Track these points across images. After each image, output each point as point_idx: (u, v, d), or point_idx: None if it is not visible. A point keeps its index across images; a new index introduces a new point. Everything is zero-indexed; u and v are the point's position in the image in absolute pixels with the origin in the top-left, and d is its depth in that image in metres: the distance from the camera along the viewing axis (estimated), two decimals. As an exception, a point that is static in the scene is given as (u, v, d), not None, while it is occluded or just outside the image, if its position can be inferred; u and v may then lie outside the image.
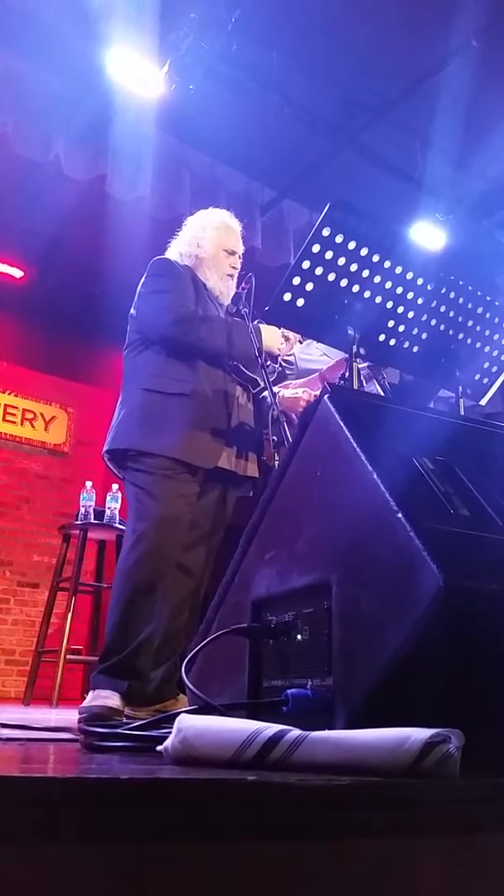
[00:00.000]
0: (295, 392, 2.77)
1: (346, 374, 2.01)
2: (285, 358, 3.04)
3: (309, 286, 1.93)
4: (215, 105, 4.41)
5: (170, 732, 0.91)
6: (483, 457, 1.30)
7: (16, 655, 6.02)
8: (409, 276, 2.02)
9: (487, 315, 2.20)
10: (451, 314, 2.15)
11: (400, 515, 0.98)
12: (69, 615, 4.18)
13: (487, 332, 2.25)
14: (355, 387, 1.97)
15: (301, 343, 3.08)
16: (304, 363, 3.05)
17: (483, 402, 2.42)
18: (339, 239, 1.90)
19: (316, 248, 1.90)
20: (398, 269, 2.00)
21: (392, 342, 2.11)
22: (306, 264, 1.91)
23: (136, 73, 4.15)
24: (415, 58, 4.32)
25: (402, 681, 0.94)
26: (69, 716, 2.45)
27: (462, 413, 2.21)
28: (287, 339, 2.77)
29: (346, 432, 1.14)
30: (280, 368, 2.88)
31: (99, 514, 4.47)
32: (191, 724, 0.90)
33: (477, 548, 1.07)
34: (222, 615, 1.35)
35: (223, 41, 3.97)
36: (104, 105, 4.39)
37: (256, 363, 2.55)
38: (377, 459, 1.08)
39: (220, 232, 2.81)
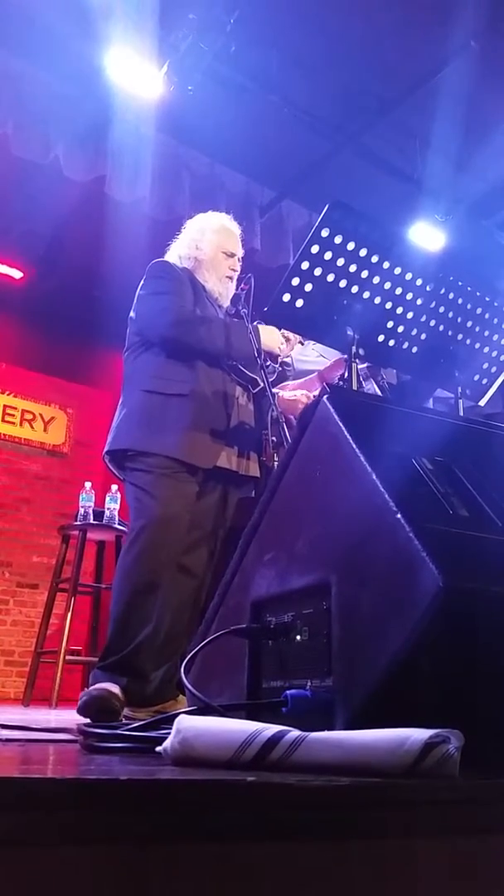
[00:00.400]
0: (293, 394, 2.77)
1: (346, 375, 2.01)
2: (283, 360, 3.04)
3: (308, 287, 1.93)
4: (214, 106, 4.41)
5: (169, 733, 0.91)
6: (482, 457, 1.30)
7: (15, 656, 6.02)
8: (409, 276, 2.02)
9: (486, 316, 2.20)
10: (451, 315, 2.15)
11: (399, 516, 0.98)
12: (68, 616, 4.18)
13: (486, 333, 2.25)
14: (354, 387, 1.97)
15: (301, 344, 3.08)
16: (301, 364, 3.05)
17: (482, 402, 2.42)
18: (338, 240, 1.90)
19: (315, 249, 1.90)
20: (397, 270, 2.00)
21: (391, 343, 2.11)
22: (305, 265, 1.91)
23: (135, 75, 4.15)
24: (414, 59, 4.32)
25: (401, 681, 0.94)
26: (69, 717, 2.45)
27: (461, 414, 2.21)
28: (288, 339, 2.77)
29: (346, 433, 1.14)
30: (280, 369, 2.88)
31: (98, 514, 4.47)
32: (190, 725, 0.90)
33: (476, 548, 1.07)
34: (222, 616, 1.35)
35: (222, 42, 3.97)
36: (103, 106, 4.39)
37: (255, 363, 2.55)
38: (376, 460, 1.08)
39: (218, 235, 2.81)
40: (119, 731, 1.17)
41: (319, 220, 1.87)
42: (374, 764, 0.80)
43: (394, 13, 4.06)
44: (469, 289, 2.13)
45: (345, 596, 1.05)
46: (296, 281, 1.92)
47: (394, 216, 4.96)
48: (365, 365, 2.48)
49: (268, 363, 2.61)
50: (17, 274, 6.21)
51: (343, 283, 1.96)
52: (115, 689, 2.21)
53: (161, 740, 0.92)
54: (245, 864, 0.67)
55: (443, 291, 2.10)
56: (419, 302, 2.07)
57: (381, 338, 2.09)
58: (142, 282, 2.68)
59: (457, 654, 0.98)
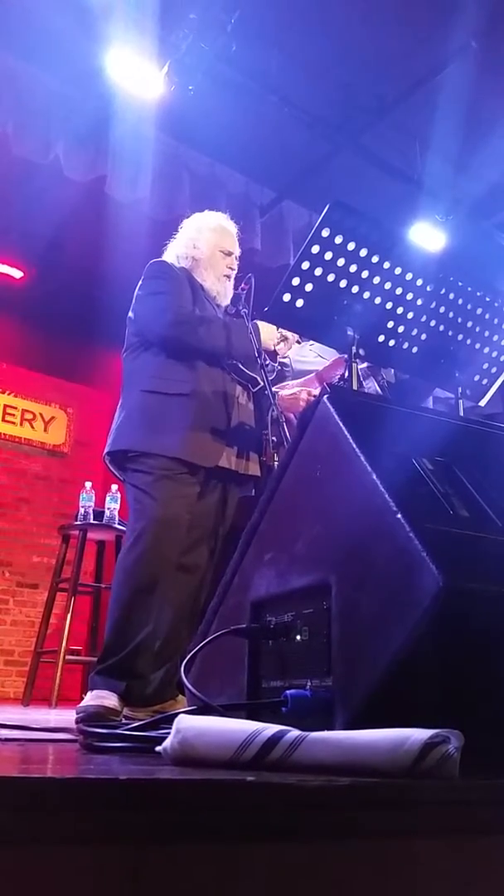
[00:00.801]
0: (293, 392, 2.77)
1: (346, 375, 2.01)
2: (281, 360, 3.04)
3: (308, 287, 1.93)
4: (215, 106, 4.41)
5: (169, 733, 0.91)
6: (482, 458, 1.30)
7: (15, 656, 6.02)
8: (409, 277, 2.02)
9: (487, 316, 2.20)
10: (451, 315, 2.15)
11: (399, 516, 0.98)
12: (68, 616, 4.18)
13: (487, 334, 2.25)
14: (355, 387, 1.97)
15: (299, 343, 3.08)
16: (299, 364, 3.05)
17: (482, 402, 2.42)
18: (338, 240, 1.90)
19: (315, 249, 1.90)
20: (397, 270, 2.00)
21: (391, 343, 2.11)
22: (306, 265, 1.91)
23: (135, 74, 4.15)
24: (414, 59, 4.32)
25: (401, 681, 0.94)
26: (68, 716, 2.45)
27: (461, 414, 2.21)
28: (285, 338, 2.77)
29: (346, 433, 1.14)
30: (279, 367, 2.88)
31: (98, 514, 4.47)
32: (190, 725, 0.90)
33: (476, 548, 1.07)
34: (222, 616, 1.35)
35: (223, 42, 3.97)
36: (104, 106, 4.39)
37: (256, 362, 2.55)
38: (377, 460, 1.08)
39: (216, 233, 2.82)
40: (119, 731, 1.17)
41: (320, 220, 1.87)
42: (373, 764, 0.80)
43: (394, 13, 4.06)
44: (469, 289, 2.13)
45: (345, 596, 1.05)
46: (296, 281, 1.92)
47: (394, 216, 4.96)
48: (365, 364, 2.48)
49: (267, 362, 2.61)
50: (17, 274, 6.21)
51: (343, 283, 1.96)
52: (112, 700, 2.20)
53: (161, 740, 0.92)
54: (245, 864, 0.67)
55: (443, 292, 2.10)
56: (419, 302, 2.07)
57: (381, 338, 2.09)
58: (140, 282, 2.68)
59: (457, 654, 0.98)
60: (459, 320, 2.17)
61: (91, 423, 6.55)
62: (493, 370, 2.35)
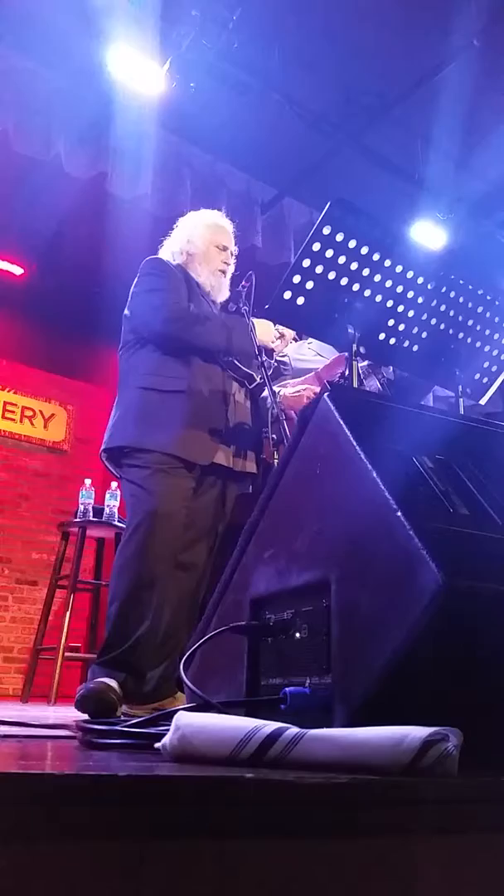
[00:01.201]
0: (296, 390, 2.76)
1: (346, 373, 2.01)
2: (280, 358, 3.04)
3: (309, 284, 1.93)
4: (216, 103, 4.40)
5: (168, 730, 0.91)
6: (483, 456, 1.30)
7: (14, 653, 6.02)
8: (410, 274, 2.02)
9: (487, 314, 2.20)
10: (452, 313, 2.15)
11: (399, 514, 0.98)
12: (67, 613, 4.18)
13: (487, 332, 2.25)
14: (355, 385, 1.97)
15: (296, 341, 3.07)
16: (299, 363, 3.05)
17: (483, 401, 2.42)
18: (339, 237, 1.90)
19: (316, 247, 1.90)
20: (398, 268, 2.00)
21: (392, 341, 2.11)
22: (307, 262, 1.91)
23: (137, 71, 4.15)
24: (416, 57, 4.32)
25: (400, 679, 0.94)
26: (67, 713, 2.45)
27: (462, 412, 2.21)
28: (283, 335, 2.77)
29: (346, 431, 1.14)
30: (276, 364, 2.87)
31: (98, 511, 4.47)
32: (189, 722, 0.90)
33: (476, 547, 1.07)
34: (221, 613, 1.35)
35: (224, 39, 3.97)
36: (105, 103, 4.38)
37: (254, 359, 2.55)
38: (377, 458, 1.08)
39: (210, 229, 2.82)
40: (118, 728, 1.17)
41: (321, 217, 1.87)
42: (372, 761, 0.80)
43: (396, 11, 4.06)
44: (470, 287, 2.13)
45: (344, 593, 1.05)
46: (297, 278, 1.92)
47: (395, 214, 4.96)
48: (366, 363, 2.48)
49: (263, 358, 2.61)
50: (17, 270, 6.20)
51: (344, 281, 1.96)
52: (113, 683, 2.21)
53: (160, 737, 0.92)
54: (243, 861, 0.67)
55: (444, 290, 2.10)
56: (420, 300, 2.07)
57: (381, 336, 2.09)
58: (136, 280, 2.68)
59: (456, 652, 0.98)
60: (460, 318, 2.17)
61: (91, 421, 6.54)
62: (494, 368, 2.35)
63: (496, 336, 2.27)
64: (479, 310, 2.18)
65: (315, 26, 4.19)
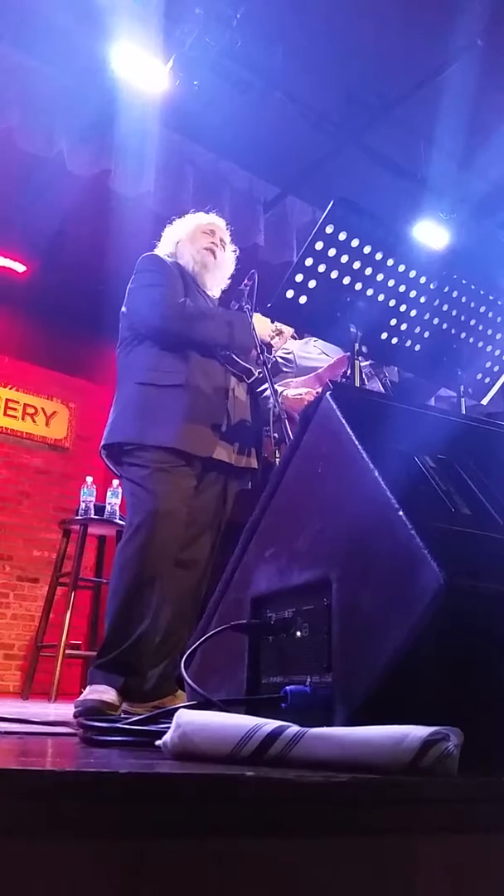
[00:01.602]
0: (298, 392, 2.76)
1: (348, 372, 2.01)
2: (284, 356, 3.04)
3: (312, 283, 1.93)
4: (219, 101, 4.40)
5: (169, 727, 0.91)
6: (484, 456, 1.30)
7: (15, 650, 6.03)
8: (412, 274, 2.02)
9: (490, 314, 2.20)
10: (454, 313, 2.15)
11: (401, 513, 0.98)
12: (68, 610, 4.19)
13: (490, 332, 2.24)
14: (357, 384, 1.97)
15: (295, 338, 3.07)
16: (303, 361, 3.05)
17: (485, 401, 2.42)
18: (342, 236, 1.90)
19: (319, 246, 1.90)
20: (401, 268, 2.00)
21: (394, 340, 2.11)
22: (309, 261, 1.91)
23: (140, 69, 4.14)
24: (419, 57, 4.31)
25: (401, 678, 0.94)
26: (68, 710, 2.45)
27: (464, 412, 2.21)
28: (280, 332, 2.77)
29: (348, 430, 1.14)
30: (275, 360, 2.87)
31: (99, 509, 4.48)
32: (190, 720, 0.90)
33: (478, 546, 1.07)
34: (222, 611, 1.36)
35: (228, 37, 3.96)
36: (108, 101, 4.38)
37: (251, 354, 2.57)
38: (379, 457, 1.08)
39: (197, 217, 2.91)
40: (118, 725, 1.17)
41: (324, 216, 1.87)
42: (372, 760, 0.80)
43: (399, 10, 4.05)
44: (473, 287, 2.13)
45: (345, 592, 1.05)
46: (299, 277, 1.92)
47: (397, 214, 4.95)
48: (368, 363, 2.47)
49: (266, 356, 2.61)
50: (20, 268, 6.20)
51: (347, 280, 1.96)
52: (111, 695, 2.20)
53: (160, 734, 0.92)
54: (243, 859, 0.67)
55: (446, 289, 2.10)
56: (423, 300, 2.07)
57: (384, 335, 2.09)
58: (132, 277, 2.68)
59: (457, 652, 0.98)
60: (463, 318, 2.17)
61: (93, 418, 6.53)
62: (496, 368, 2.35)
63: (498, 336, 2.27)
64: (482, 309, 2.18)
65: (318, 25, 4.18)
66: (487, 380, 2.37)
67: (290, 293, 1.93)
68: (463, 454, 1.27)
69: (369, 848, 0.73)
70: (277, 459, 2.49)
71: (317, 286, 1.93)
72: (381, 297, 2.02)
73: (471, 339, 2.23)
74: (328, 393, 1.23)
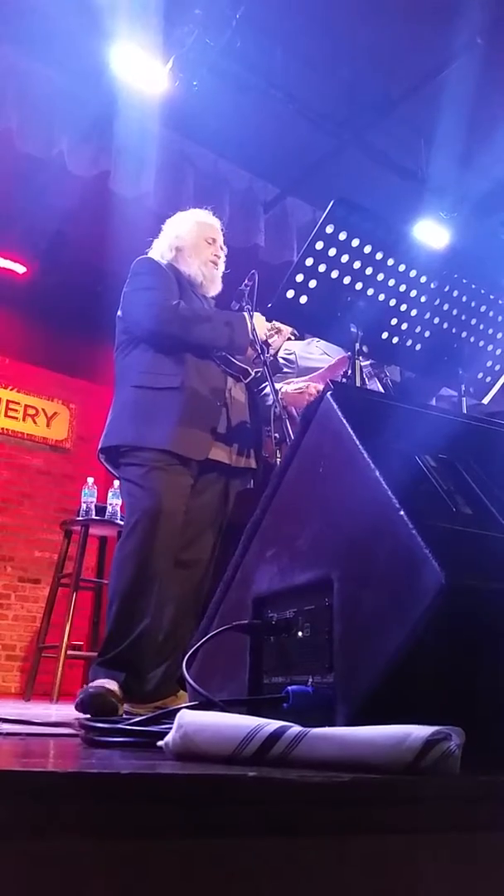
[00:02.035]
0: (298, 387, 2.76)
1: (349, 372, 2.01)
2: (286, 356, 3.04)
3: (312, 283, 1.93)
4: (219, 102, 4.40)
5: (170, 728, 0.91)
6: (486, 455, 1.30)
7: (16, 651, 6.03)
8: (413, 273, 2.02)
9: (491, 313, 2.20)
10: (455, 312, 2.15)
11: (402, 513, 0.98)
12: (70, 611, 4.19)
13: (491, 331, 2.24)
14: (358, 384, 1.97)
15: (294, 337, 3.07)
16: (305, 361, 3.05)
17: (486, 400, 2.42)
18: (342, 236, 1.90)
19: (319, 246, 1.90)
20: (402, 267, 2.00)
21: (395, 340, 2.11)
22: (310, 261, 1.91)
23: (140, 70, 4.15)
24: (419, 55, 4.31)
25: (403, 678, 0.94)
26: (70, 711, 2.45)
27: (465, 411, 2.21)
28: (279, 330, 2.77)
29: (349, 430, 1.14)
30: (273, 358, 2.87)
31: (100, 510, 4.48)
32: (192, 720, 0.90)
33: (479, 546, 1.06)
34: (223, 612, 1.35)
35: (227, 38, 3.96)
36: (108, 102, 4.38)
37: (248, 354, 2.56)
38: (380, 457, 1.08)
39: (199, 225, 2.85)
40: (120, 726, 1.17)
41: (324, 216, 1.87)
42: (374, 760, 0.80)
43: (399, 9, 4.05)
44: (474, 286, 2.13)
45: (347, 592, 1.05)
46: (300, 277, 1.92)
47: (398, 213, 4.95)
48: (368, 363, 2.47)
49: (266, 356, 2.60)
50: (20, 269, 6.20)
51: (347, 280, 1.96)
52: (113, 685, 2.21)
53: (162, 735, 0.92)
54: (246, 860, 0.67)
55: (447, 289, 2.10)
56: (423, 299, 2.07)
57: (384, 335, 2.09)
58: (127, 280, 2.68)
59: (459, 651, 0.98)
60: (463, 318, 2.17)
61: (93, 419, 6.53)
62: (497, 367, 2.35)
63: (499, 335, 2.27)
64: (483, 309, 2.18)
65: (317, 25, 4.18)
66: (488, 379, 2.37)
67: (290, 293, 1.93)
68: (464, 453, 1.27)
69: (371, 847, 0.73)
70: (278, 459, 2.49)
71: (317, 286, 1.93)
72: (381, 297, 2.02)
73: (472, 339, 2.22)
74: (329, 393, 1.23)
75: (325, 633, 1.07)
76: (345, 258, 1.92)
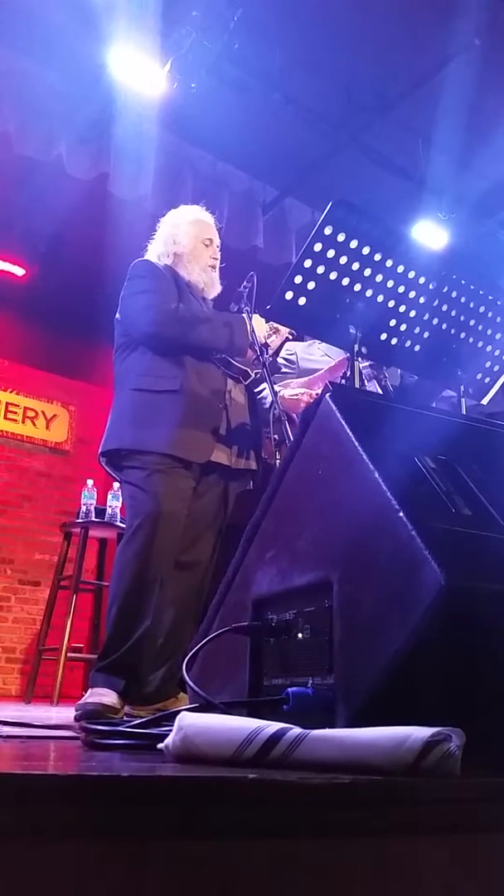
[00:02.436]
0: (295, 393, 2.76)
1: (348, 374, 2.01)
2: (287, 357, 3.04)
3: (311, 285, 1.93)
4: (217, 104, 4.40)
5: (171, 730, 0.91)
6: (485, 456, 1.30)
7: (17, 653, 6.03)
8: (411, 274, 2.02)
9: (489, 314, 2.20)
10: (453, 313, 2.15)
11: (401, 514, 0.98)
12: (70, 613, 4.18)
13: (489, 332, 2.25)
14: (357, 386, 1.97)
15: (292, 338, 3.07)
16: (306, 363, 3.05)
17: (485, 401, 2.42)
18: (341, 237, 1.90)
19: (318, 247, 1.90)
20: (400, 268, 2.00)
21: (394, 341, 2.11)
22: (308, 263, 1.91)
23: (138, 72, 4.15)
24: (417, 56, 4.31)
25: (403, 679, 0.94)
26: (70, 714, 2.45)
27: (464, 412, 2.21)
28: (277, 330, 2.77)
29: (348, 431, 1.14)
30: (272, 359, 2.87)
31: (100, 512, 4.48)
32: (192, 722, 0.90)
33: (478, 547, 1.06)
34: (223, 614, 1.35)
35: (225, 40, 3.96)
36: (106, 104, 4.38)
37: (253, 357, 2.56)
38: (379, 458, 1.08)
39: (194, 226, 2.83)
40: (120, 729, 1.17)
41: (322, 217, 1.87)
42: (375, 762, 0.80)
43: (397, 10, 4.05)
44: (472, 287, 2.13)
45: (346, 594, 1.05)
46: (298, 279, 1.92)
47: (396, 214, 4.95)
48: (367, 365, 2.47)
49: (266, 357, 2.60)
50: (19, 271, 6.20)
51: (346, 281, 1.96)
52: (111, 698, 2.20)
53: (163, 737, 0.92)
54: (246, 861, 0.67)
55: (446, 290, 2.10)
56: (422, 300, 2.07)
57: (383, 336, 2.09)
58: (125, 284, 2.68)
59: (458, 653, 0.98)
60: (462, 318, 2.17)
61: (93, 421, 6.53)
62: (496, 368, 2.35)
63: (498, 336, 2.27)
64: (481, 309, 2.18)
65: (315, 26, 4.18)
66: (487, 380, 2.37)
67: (289, 295, 1.93)
68: (463, 454, 1.27)
69: (372, 849, 0.73)
70: (278, 461, 2.49)
71: (316, 287, 1.93)
72: (380, 298, 2.02)
73: (470, 340, 2.23)
74: (328, 394, 1.23)
75: (325, 634, 1.07)
76: (343, 259, 1.92)
